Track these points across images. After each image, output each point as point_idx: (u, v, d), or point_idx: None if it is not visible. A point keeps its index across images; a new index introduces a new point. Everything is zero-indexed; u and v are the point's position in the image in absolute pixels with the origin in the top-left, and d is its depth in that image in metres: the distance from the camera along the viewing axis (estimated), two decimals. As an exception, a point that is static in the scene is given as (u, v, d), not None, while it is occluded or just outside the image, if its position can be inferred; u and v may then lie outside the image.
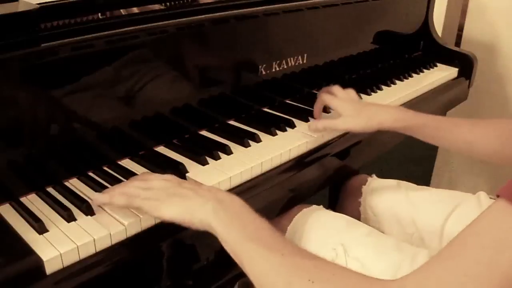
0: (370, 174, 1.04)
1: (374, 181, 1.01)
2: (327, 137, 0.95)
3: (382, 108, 0.92)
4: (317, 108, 0.96)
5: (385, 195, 0.97)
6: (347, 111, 0.90)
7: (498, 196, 0.46)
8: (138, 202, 0.63)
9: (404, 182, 0.98)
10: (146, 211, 0.63)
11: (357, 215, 0.99)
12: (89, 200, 0.68)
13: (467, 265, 0.44)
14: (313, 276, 0.52)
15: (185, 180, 0.67)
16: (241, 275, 0.90)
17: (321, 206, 0.92)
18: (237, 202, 0.62)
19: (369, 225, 0.95)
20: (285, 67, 1.03)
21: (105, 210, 0.67)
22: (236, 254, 0.57)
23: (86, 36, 0.71)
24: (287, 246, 0.58)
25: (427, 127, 0.87)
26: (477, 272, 0.43)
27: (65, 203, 0.68)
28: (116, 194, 0.65)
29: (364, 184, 1.01)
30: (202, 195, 0.62)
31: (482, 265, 0.43)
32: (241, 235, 0.58)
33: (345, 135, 0.98)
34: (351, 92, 0.96)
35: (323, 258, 0.57)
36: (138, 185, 0.65)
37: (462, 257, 0.45)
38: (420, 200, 0.93)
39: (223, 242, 0.58)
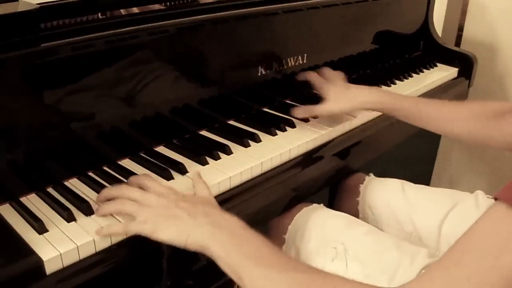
0: (367, 173, 1.04)
1: (371, 180, 1.01)
2: (327, 137, 0.95)
3: (363, 90, 0.95)
4: (299, 78, 1.02)
5: (383, 194, 0.97)
6: (330, 95, 0.94)
7: (496, 199, 0.46)
8: (134, 227, 0.62)
9: (402, 180, 0.98)
10: (143, 235, 0.62)
11: (355, 214, 0.99)
12: (89, 200, 0.68)
13: (469, 271, 0.44)
14: None
15: (181, 196, 0.66)
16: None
17: (322, 204, 0.92)
18: (232, 221, 0.62)
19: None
20: (285, 67, 1.03)
21: (105, 210, 0.67)
22: (235, 273, 0.57)
23: (86, 36, 0.71)
24: (286, 262, 0.58)
25: (406, 109, 0.92)
26: (480, 278, 0.43)
27: (65, 203, 0.68)
28: (112, 211, 0.65)
29: (362, 183, 1.01)
30: (197, 218, 0.61)
31: (484, 270, 0.43)
32: (239, 254, 0.58)
33: (345, 135, 0.98)
34: (338, 74, 1.01)
35: (322, 271, 0.57)
36: (136, 197, 0.65)
37: (463, 264, 0.45)
38: (418, 199, 0.94)
39: (221, 263, 0.58)
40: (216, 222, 0.61)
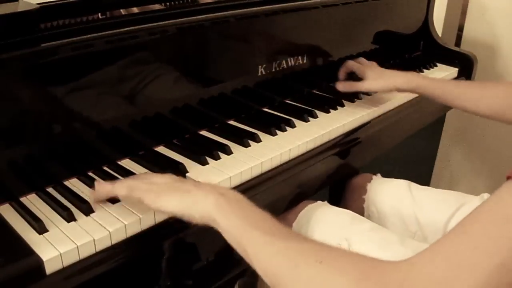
0: (375, 173, 1.05)
1: (379, 179, 1.02)
2: (327, 136, 0.95)
3: (398, 73, 1.08)
4: (341, 71, 1.13)
5: (389, 192, 0.98)
6: (368, 75, 1.06)
7: (508, 178, 0.47)
8: (138, 193, 0.63)
9: (408, 181, 0.99)
10: (146, 203, 0.62)
11: (360, 212, 0.99)
12: (89, 196, 0.68)
13: (477, 239, 0.44)
14: (321, 256, 0.51)
15: (185, 179, 0.67)
16: (241, 275, 0.90)
17: (326, 202, 0.93)
18: (239, 195, 0.62)
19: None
20: (285, 67, 1.03)
21: (105, 209, 0.67)
22: (239, 242, 0.57)
23: (86, 36, 0.71)
24: (291, 233, 0.57)
25: (434, 88, 1.03)
26: (487, 246, 0.43)
27: (65, 203, 0.68)
28: (118, 184, 0.65)
29: (369, 182, 1.02)
30: (203, 189, 0.61)
31: (492, 239, 0.43)
32: (244, 223, 0.57)
33: (345, 134, 0.98)
34: (373, 63, 1.13)
35: (325, 243, 0.56)
36: (140, 179, 0.66)
37: (472, 233, 0.45)
38: (424, 199, 0.94)
39: (225, 233, 0.58)
40: (223, 193, 0.61)
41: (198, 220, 0.60)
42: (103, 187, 0.67)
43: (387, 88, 1.06)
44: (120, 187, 0.65)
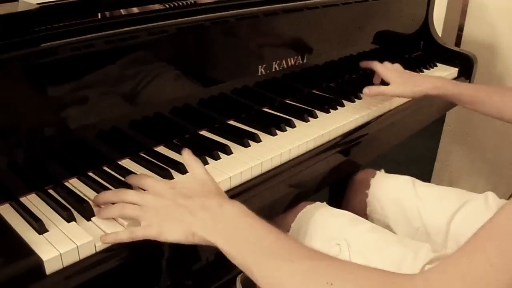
0: (378, 169, 1.05)
1: (383, 175, 1.02)
2: (327, 136, 0.95)
3: (425, 77, 1.09)
4: (375, 77, 1.14)
5: (393, 188, 0.98)
6: (395, 79, 1.05)
7: None
8: (140, 232, 0.62)
9: (412, 178, 0.99)
10: (150, 238, 0.62)
11: (363, 208, 1.00)
12: (89, 201, 0.68)
13: (492, 256, 0.44)
14: (331, 278, 0.50)
15: (178, 189, 0.65)
16: (241, 271, 0.90)
17: (325, 203, 0.93)
18: (233, 211, 0.61)
19: (375, 218, 0.97)
20: (285, 67, 1.03)
21: (105, 210, 0.67)
22: (245, 267, 0.56)
23: (86, 36, 0.71)
24: (295, 249, 0.56)
25: (462, 95, 1.02)
26: (503, 262, 0.43)
27: (65, 203, 0.68)
28: (120, 233, 0.63)
29: (373, 177, 1.02)
30: (198, 215, 0.61)
31: (507, 255, 0.43)
32: (245, 247, 0.57)
33: (345, 134, 0.98)
34: (397, 65, 1.13)
35: (333, 257, 0.56)
36: (135, 201, 0.64)
37: (486, 248, 0.45)
38: (428, 196, 0.94)
39: (230, 257, 0.58)
40: (217, 216, 0.60)
41: (203, 244, 0.60)
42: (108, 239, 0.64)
43: (416, 94, 1.04)
44: (122, 233, 0.63)
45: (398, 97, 1.09)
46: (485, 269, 0.43)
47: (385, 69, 1.10)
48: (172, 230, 0.61)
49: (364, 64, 1.16)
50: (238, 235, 0.58)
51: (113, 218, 0.66)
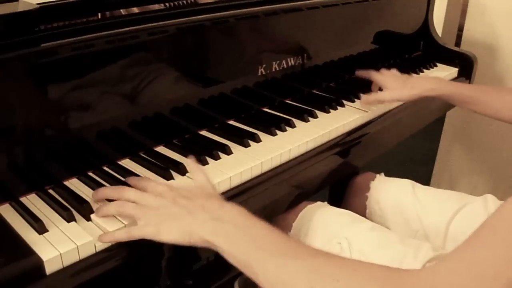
0: (378, 172, 1.05)
1: (382, 178, 1.03)
2: (327, 136, 0.95)
3: (421, 79, 1.09)
4: (373, 86, 1.12)
5: (392, 191, 0.98)
6: (391, 84, 1.05)
7: None
8: (137, 231, 0.62)
9: (412, 181, 0.99)
10: (147, 238, 0.62)
11: (363, 210, 1.00)
12: (89, 201, 0.68)
13: (498, 250, 0.44)
14: (337, 274, 0.50)
15: (179, 192, 0.65)
16: (241, 273, 0.90)
17: (326, 202, 0.93)
18: (233, 212, 0.61)
19: (374, 220, 0.97)
20: (285, 67, 1.03)
21: (105, 210, 0.67)
22: (247, 266, 0.56)
23: (86, 36, 0.71)
24: (298, 248, 0.56)
25: (459, 95, 1.02)
26: (507, 257, 0.43)
27: (65, 203, 0.68)
28: (117, 232, 0.63)
29: (373, 180, 1.02)
30: (197, 215, 0.60)
31: (511, 250, 0.43)
32: (248, 246, 0.56)
33: (345, 134, 0.98)
34: (394, 70, 1.12)
35: (337, 255, 0.55)
36: (134, 198, 0.64)
37: (492, 243, 0.45)
38: (427, 198, 0.94)
39: (231, 258, 0.57)
40: (217, 216, 0.60)
41: (201, 245, 0.59)
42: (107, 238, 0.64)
43: (413, 97, 1.03)
44: (119, 233, 0.63)
45: (396, 101, 1.08)
46: (491, 261, 0.44)
47: (381, 76, 1.09)
48: (169, 230, 0.61)
49: (360, 73, 1.15)
50: (239, 234, 0.58)
51: (114, 216, 0.65)
